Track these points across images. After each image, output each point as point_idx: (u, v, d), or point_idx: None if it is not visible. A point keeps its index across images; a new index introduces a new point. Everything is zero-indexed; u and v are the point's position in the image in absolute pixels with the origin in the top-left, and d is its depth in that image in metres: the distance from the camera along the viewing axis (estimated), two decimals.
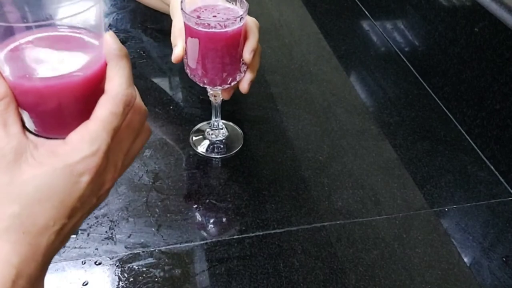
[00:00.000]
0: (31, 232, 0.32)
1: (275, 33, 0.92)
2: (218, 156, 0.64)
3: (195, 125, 0.68)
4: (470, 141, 0.69)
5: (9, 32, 0.30)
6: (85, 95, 0.33)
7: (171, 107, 0.72)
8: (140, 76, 0.78)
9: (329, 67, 0.84)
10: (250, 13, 0.56)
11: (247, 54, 0.56)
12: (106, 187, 0.35)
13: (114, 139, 0.33)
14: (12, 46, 0.31)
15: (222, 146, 0.65)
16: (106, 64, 0.33)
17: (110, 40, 0.33)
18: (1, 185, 0.31)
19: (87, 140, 0.32)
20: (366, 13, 1.00)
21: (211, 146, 0.65)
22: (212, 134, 0.66)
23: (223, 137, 0.66)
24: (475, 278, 0.51)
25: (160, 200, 0.58)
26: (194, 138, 0.66)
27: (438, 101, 0.77)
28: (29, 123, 0.33)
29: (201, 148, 0.65)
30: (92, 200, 0.35)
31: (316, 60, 0.85)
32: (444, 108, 0.75)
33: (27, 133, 0.33)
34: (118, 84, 0.33)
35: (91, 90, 0.33)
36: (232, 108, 0.71)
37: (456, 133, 0.71)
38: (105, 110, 0.32)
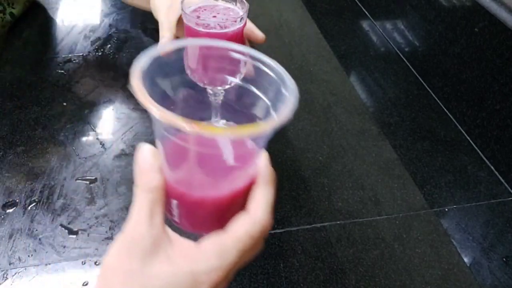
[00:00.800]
0: None
1: (275, 33, 0.92)
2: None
3: None
4: (470, 141, 0.69)
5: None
6: (230, 206, 0.35)
7: (171, 107, 0.72)
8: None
9: (329, 67, 0.84)
10: (250, 13, 0.55)
11: (256, 31, 0.58)
12: None
13: (240, 258, 0.34)
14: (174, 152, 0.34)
15: None
16: (253, 182, 0.35)
17: (265, 163, 0.36)
18: (131, 270, 0.32)
19: (217, 253, 0.33)
20: (366, 13, 1.00)
21: None
22: None
23: None
24: (475, 278, 0.51)
25: None
26: None
27: (438, 101, 0.77)
28: (171, 213, 0.36)
29: None
30: None
31: (316, 60, 0.85)
32: (444, 108, 0.75)
33: (166, 226, 0.35)
34: (261, 209, 0.34)
35: (236, 203, 0.35)
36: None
37: (456, 133, 0.71)
38: (243, 230, 0.33)
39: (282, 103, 0.33)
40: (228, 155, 0.35)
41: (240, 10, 0.55)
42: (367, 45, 0.91)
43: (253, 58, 0.38)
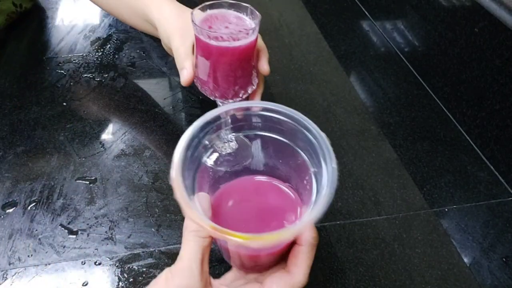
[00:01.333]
0: None
1: (275, 33, 0.92)
2: (226, 169, 0.63)
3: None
4: (470, 141, 0.69)
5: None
6: (271, 260, 0.38)
7: (171, 107, 0.72)
8: (140, 77, 0.78)
9: (329, 67, 0.84)
10: None
11: (265, 65, 0.55)
12: None
13: None
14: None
15: (231, 159, 0.65)
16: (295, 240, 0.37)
17: (310, 227, 0.37)
18: None
19: None
20: (366, 13, 1.00)
21: (220, 159, 0.64)
22: (222, 147, 0.65)
23: (232, 150, 0.65)
24: (475, 278, 0.51)
25: (160, 200, 0.58)
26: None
27: (438, 101, 0.77)
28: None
29: (210, 161, 0.63)
30: None
31: (316, 60, 0.85)
32: (444, 108, 0.75)
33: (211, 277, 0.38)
34: (303, 274, 0.36)
35: (277, 256, 0.37)
36: None
37: (456, 133, 0.71)
38: None
39: (320, 194, 0.33)
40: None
41: (251, 21, 0.53)
42: (367, 45, 0.91)
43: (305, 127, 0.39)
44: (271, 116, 0.40)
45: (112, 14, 0.73)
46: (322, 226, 0.56)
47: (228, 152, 0.65)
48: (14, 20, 0.87)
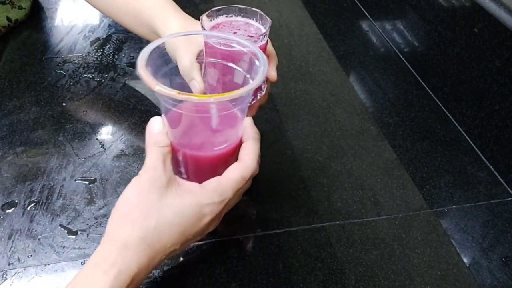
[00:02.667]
0: (153, 247, 0.39)
1: (275, 34, 0.92)
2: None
3: None
4: (470, 142, 0.69)
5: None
6: (223, 162, 0.44)
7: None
8: (139, 77, 0.78)
9: (328, 68, 0.84)
10: None
11: (272, 72, 0.55)
12: (210, 229, 0.45)
13: (233, 195, 0.43)
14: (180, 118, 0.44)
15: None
16: (241, 140, 0.45)
17: (249, 123, 0.46)
18: (150, 201, 0.40)
19: (218, 191, 0.42)
20: (366, 13, 1.00)
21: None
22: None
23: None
24: (474, 278, 0.51)
25: None
26: None
27: (438, 102, 0.77)
28: (178, 172, 0.46)
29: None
30: (197, 237, 0.43)
31: (316, 60, 0.85)
32: (443, 108, 0.75)
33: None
34: (251, 158, 0.44)
35: (227, 160, 0.45)
36: None
37: (456, 133, 0.71)
38: (237, 174, 0.43)
39: (256, 73, 0.42)
40: (215, 119, 0.44)
41: (262, 27, 0.52)
42: (367, 46, 0.91)
43: (233, 40, 0.46)
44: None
45: (115, 21, 0.72)
46: (321, 226, 0.56)
47: None
48: (3, 33, 0.87)
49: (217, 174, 0.43)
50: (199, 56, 0.55)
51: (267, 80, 0.56)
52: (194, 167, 0.46)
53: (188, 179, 0.45)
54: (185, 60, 0.54)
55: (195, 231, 0.42)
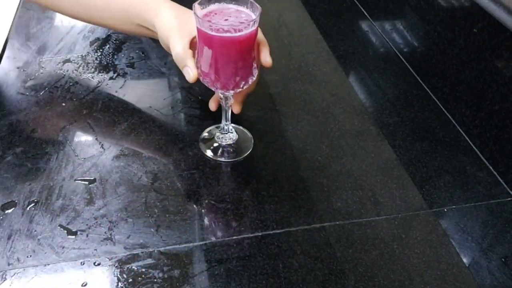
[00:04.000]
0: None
1: (274, 34, 0.92)
2: (226, 160, 0.64)
3: (194, 125, 0.68)
4: (469, 142, 0.69)
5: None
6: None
7: (170, 108, 0.72)
8: (139, 77, 0.78)
9: (328, 68, 0.84)
10: None
11: (267, 57, 0.58)
12: None
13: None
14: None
15: (231, 150, 0.65)
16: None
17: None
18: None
19: None
20: (365, 13, 1.00)
21: (220, 150, 0.65)
22: (222, 138, 0.65)
23: (233, 141, 0.66)
24: (474, 278, 0.51)
25: (159, 201, 0.58)
26: (203, 142, 0.65)
27: (437, 102, 0.77)
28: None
29: (210, 152, 0.64)
30: None
31: (315, 60, 0.85)
32: (443, 108, 0.75)
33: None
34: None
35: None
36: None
37: (455, 133, 0.71)
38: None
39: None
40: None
41: (252, 13, 0.55)
42: (366, 46, 0.91)
43: None
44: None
45: (98, 24, 0.72)
46: (321, 227, 0.56)
47: (228, 143, 0.65)
48: None
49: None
50: (192, 42, 0.57)
51: (259, 65, 0.58)
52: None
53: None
54: (178, 48, 0.56)
55: None
